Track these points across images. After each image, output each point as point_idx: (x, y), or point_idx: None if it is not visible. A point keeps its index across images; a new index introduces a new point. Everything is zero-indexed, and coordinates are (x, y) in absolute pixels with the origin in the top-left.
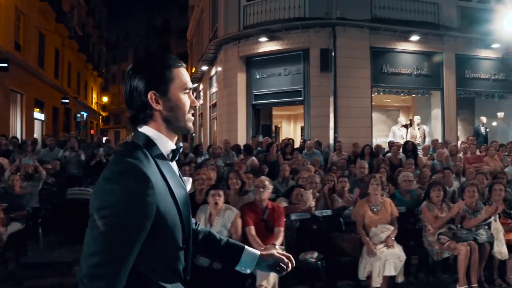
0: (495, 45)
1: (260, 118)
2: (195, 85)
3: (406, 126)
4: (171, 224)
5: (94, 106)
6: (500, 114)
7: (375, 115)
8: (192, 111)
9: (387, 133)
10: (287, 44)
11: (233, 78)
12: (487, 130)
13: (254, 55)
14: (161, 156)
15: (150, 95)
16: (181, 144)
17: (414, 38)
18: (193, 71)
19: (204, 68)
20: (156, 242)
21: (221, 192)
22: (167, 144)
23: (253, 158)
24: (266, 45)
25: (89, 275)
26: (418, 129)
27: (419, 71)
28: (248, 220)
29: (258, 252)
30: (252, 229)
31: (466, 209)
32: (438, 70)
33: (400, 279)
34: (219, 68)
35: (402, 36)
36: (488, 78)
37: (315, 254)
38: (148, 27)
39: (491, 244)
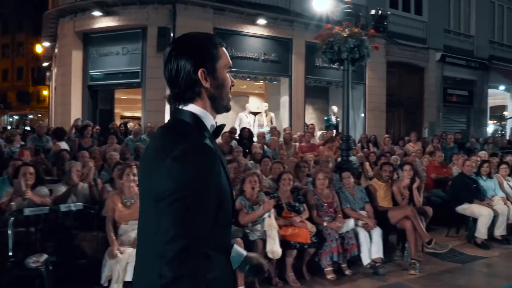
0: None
1: (98, 101)
2: (47, 63)
3: (256, 114)
4: (227, 198)
5: None
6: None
7: None
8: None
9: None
10: (124, 21)
11: (68, 55)
12: (338, 119)
13: (91, 31)
14: (208, 133)
15: (200, 73)
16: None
17: (262, 22)
18: None
19: (46, 44)
20: (218, 218)
21: None
22: (211, 122)
23: (59, 143)
24: (102, 21)
25: (176, 258)
26: (266, 116)
27: (267, 57)
28: None
29: (244, 252)
30: None
31: (243, 202)
32: (287, 56)
33: None
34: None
35: (250, 19)
36: (338, 67)
37: (43, 257)
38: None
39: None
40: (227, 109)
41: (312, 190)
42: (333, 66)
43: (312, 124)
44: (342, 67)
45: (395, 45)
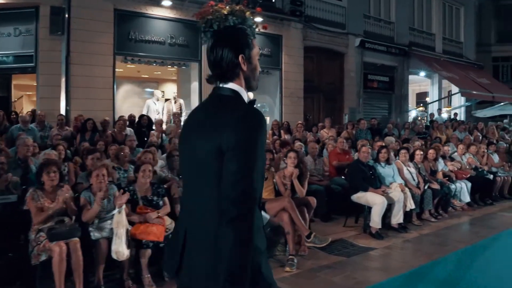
0: (258, 19)
1: None
2: None
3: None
4: (264, 156)
5: None
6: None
7: (129, 87)
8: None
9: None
10: None
11: None
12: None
13: None
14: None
15: (241, 57)
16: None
17: (167, 3)
18: None
19: None
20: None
21: None
22: (246, 97)
23: None
24: None
25: (252, 193)
26: (175, 103)
27: (174, 40)
28: None
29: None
30: None
31: (87, 197)
32: (197, 40)
33: None
34: None
35: (154, 0)
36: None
37: None
38: None
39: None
40: (255, 88)
41: (177, 182)
42: None
43: None
44: None
45: (313, 30)
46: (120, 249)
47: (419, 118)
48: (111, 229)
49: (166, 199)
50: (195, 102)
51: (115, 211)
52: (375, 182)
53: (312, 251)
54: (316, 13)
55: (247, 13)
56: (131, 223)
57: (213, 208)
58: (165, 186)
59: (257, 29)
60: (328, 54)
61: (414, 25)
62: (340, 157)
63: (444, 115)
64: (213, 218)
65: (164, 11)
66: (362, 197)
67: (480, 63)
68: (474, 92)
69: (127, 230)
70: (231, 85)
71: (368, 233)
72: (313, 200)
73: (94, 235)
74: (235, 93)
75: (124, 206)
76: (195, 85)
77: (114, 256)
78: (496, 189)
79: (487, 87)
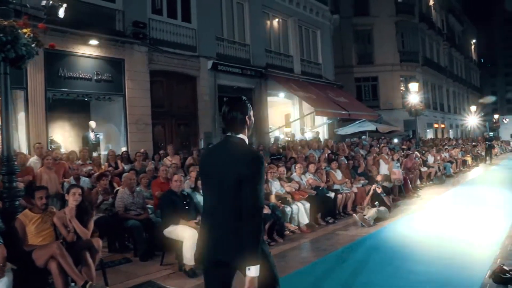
0: (94, 41)
1: None
2: None
3: None
4: None
5: None
6: None
7: None
8: None
9: None
10: None
11: None
12: (98, 136)
13: None
14: None
15: (247, 117)
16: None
17: None
18: None
19: None
20: None
21: None
22: (247, 141)
23: None
24: None
25: (260, 205)
26: None
27: None
28: None
29: None
30: None
31: None
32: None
33: None
34: None
35: None
36: (90, 78)
37: None
38: None
39: None
40: (249, 135)
41: None
42: (84, 76)
43: (39, 143)
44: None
45: (160, 53)
46: None
47: (289, 138)
48: None
49: None
50: (22, 134)
51: None
52: (191, 213)
53: None
54: (163, 36)
55: (25, 31)
56: None
57: (232, 211)
58: None
59: (36, 48)
60: (179, 78)
61: (271, 47)
62: (163, 186)
63: (309, 134)
64: (232, 217)
65: None
66: (173, 231)
67: (339, 83)
68: (329, 111)
69: None
70: (240, 135)
71: (183, 271)
72: (98, 242)
73: None
74: (242, 140)
75: None
76: (21, 116)
77: None
78: (339, 206)
79: (344, 105)
